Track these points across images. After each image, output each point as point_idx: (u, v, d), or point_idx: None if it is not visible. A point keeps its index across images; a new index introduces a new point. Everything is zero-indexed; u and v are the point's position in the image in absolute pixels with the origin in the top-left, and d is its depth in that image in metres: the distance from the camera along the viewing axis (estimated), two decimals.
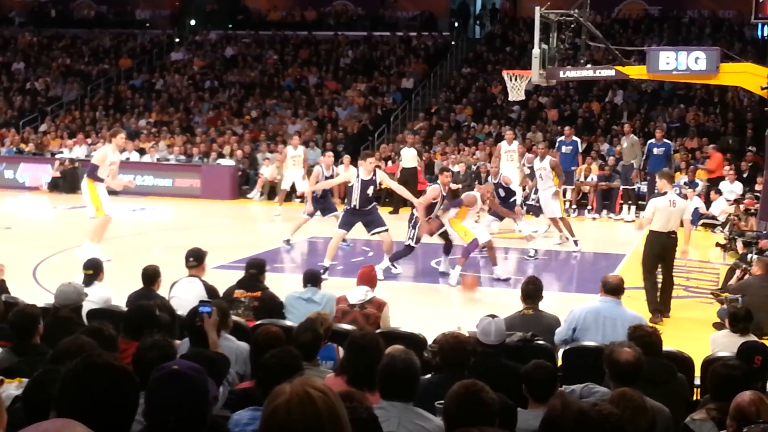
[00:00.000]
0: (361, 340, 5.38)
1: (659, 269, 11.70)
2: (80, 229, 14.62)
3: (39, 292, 11.07)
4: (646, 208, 11.77)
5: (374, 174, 13.96)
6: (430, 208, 13.88)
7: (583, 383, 5.75)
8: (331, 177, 16.54)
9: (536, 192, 17.20)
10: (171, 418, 3.13)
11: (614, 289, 7.96)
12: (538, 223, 17.91)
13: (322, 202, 16.60)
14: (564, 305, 9.16)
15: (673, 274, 11.78)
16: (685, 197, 13.33)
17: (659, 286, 11.63)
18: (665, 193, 11.53)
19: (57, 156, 26.81)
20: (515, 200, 17.30)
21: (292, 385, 2.63)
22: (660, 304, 11.45)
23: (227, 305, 7.26)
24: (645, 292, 11.55)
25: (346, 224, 14.13)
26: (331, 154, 18.34)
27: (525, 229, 16.32)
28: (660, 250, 11.47)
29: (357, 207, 13.97)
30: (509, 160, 20.21)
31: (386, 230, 14.12)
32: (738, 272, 12.35)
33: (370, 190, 13.97)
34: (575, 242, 16.66)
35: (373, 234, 14.27)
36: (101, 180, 14.40)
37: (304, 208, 16.92)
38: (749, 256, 12.92)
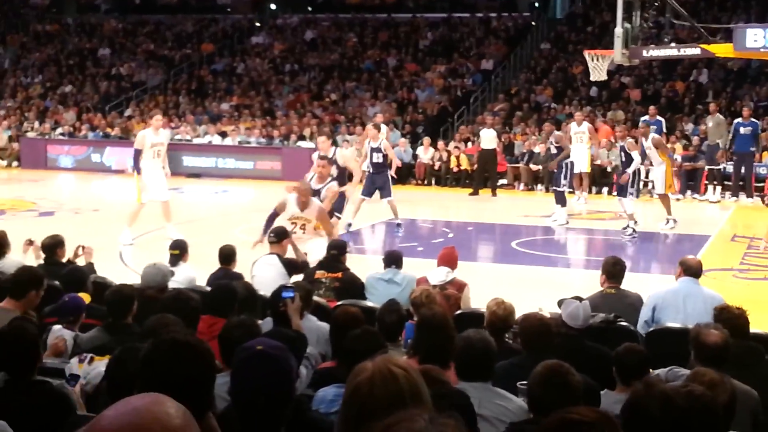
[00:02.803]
0: (431, 319, 5.38)
1: None
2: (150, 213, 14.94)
3: (126, 273, 11.30)
4: None
5: (334, 153, 13.73)
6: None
7: (667, 367, 5.67)
8: (377, 149, 16.53)
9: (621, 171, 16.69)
10: (258, 398, 3.16)
11: (694, 271, 7.83)
12: (562, 211, 17.20)
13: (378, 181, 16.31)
14: (647, 287, 9.03)
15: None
16: None
17: None
18: None
19: None
20: (568, 163, 17.06)
21: (374, 362, 2.64)
22: None
23: (310, 286, 7.33)
24: None
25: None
26: (371, 126, 17.96)
27: (629, 207, 16.00)
28: None
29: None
30: (579, 142, 20.01)
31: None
32: None
33: (333, 171, 13.44)
34: (669, 220, 16.47)
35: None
36: (138, 169, 14.64)
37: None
38: None
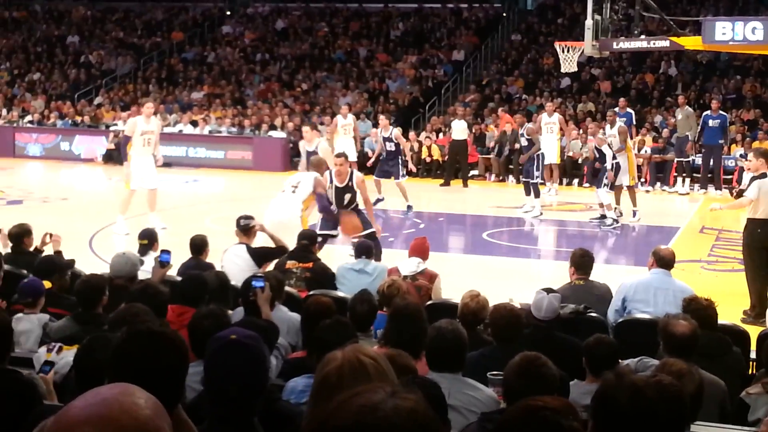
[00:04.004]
0: (404, 309, 5.39)
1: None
2: (136, 201, 14.85)
3: (96, 262, 11.22)
4: (750, 188, 10.20)
5: (317, 146, 13.51)
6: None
7: (637, 357, 5.71)
8: (389, 139, 17.44)
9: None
10: (232, 387, 3.16)
11: (666, 262, 7.86)
12: (536, 202, 17.24)
13: (390, 165, 17.49)
14: (616, 278, 9.08)
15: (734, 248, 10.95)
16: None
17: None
18: (763, 175, 10.02)
19: (111, 128, 27.08)
20: (539, 155, 17.36)
21: (343, 351, 2.64)
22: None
23: (282, 276, 7.31)
24: (750, 284, 10.13)
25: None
26: (383, 117, 18.65)
27: (604, 198, 16.15)
28: (764, 240, 10.01)
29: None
30: (549, 132, 20.07)
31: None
32: None
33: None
34: (635, 212, 16.53)
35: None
36: (125, 155, 14.78)
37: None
38: None
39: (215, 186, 22.99)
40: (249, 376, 3.18)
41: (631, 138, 21.86)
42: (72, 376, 4.39)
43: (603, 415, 3.22)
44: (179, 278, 7.79)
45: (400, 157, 17.68)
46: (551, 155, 20.02)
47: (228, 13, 37.42)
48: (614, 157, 16.04)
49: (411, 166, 18.24)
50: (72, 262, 8.58)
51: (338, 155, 12.24)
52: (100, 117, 28.77)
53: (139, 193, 14.87)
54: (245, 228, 9.33)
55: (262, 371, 3.25)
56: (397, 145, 17.75)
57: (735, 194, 20.07)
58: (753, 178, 10.43)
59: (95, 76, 32.91)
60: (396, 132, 18.05)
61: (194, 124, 27.04)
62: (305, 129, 14.29)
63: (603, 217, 16.20)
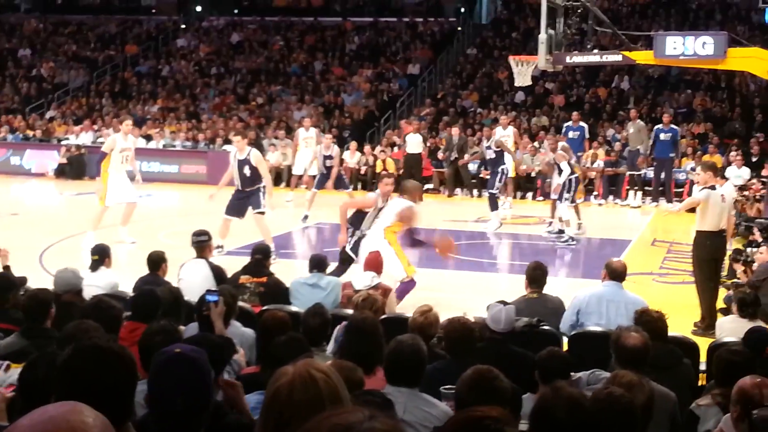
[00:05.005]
0: (360, 323, 5.38)
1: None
2: (87, 216, 14.70)
3: (45, 278, 11.07)
4: (698, 194, 10.41)
5: (248, 153, 13.70)
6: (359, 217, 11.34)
7: (589, 370, 5.74)
8: (330, 157, 17.92)
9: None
10: (177, 400, 3.12)
11: (618, 275, 7.96)
12: (493, 215, 17.36)
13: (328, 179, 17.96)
14: (569, 291, 9.15)
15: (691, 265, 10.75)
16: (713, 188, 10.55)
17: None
18: (713, 187, 10.24)
19: (63, 142, 26.82)
20: (504, 168, 17.39)
21: (295, 366, 2.63)
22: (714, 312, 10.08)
23: (236, 291, 7.27)
24: (700, 296, 10.30)
25: (233, 209, 13.85)
26: (329, 135, 19.01)
27: (564, 213, 16.11)
28: (713, 252, 10.27)
29: (240, 188, 13.81)
30: None
31: (262, 213, 13.79)
32: (738, 266, 11.74)
33: (246, 170, 13.63)
34: (579, 225, 16.60)
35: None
36: (99, 171, 14.91)
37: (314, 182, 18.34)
38: (749, 249, 12.53)
39: (169, 200, 22.81)
40: (195, 390, 3.14)
41: (584, 151, 22.12)
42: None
43: (542, 430, 3.24)
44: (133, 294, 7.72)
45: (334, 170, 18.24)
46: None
47: (183, 26, 37.24)
48: (572, 173, 16.12)
49: (330, 184, 18.03)
50: (24, 279, 8.47)
51: (388, 175, 11.90)
52: (51, 131, 28.46)
53: (112, 208, 14.87)
54: (198, 245, 9.28)
55: (207, 385, 3.22)
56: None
57: None
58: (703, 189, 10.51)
59: (47, 89, 32.56)
60: (336, 150, 18.57)
61: (148, 138, 26.84)
62: (236, 138, 14.15)
63: (561, 232, 16.21)
